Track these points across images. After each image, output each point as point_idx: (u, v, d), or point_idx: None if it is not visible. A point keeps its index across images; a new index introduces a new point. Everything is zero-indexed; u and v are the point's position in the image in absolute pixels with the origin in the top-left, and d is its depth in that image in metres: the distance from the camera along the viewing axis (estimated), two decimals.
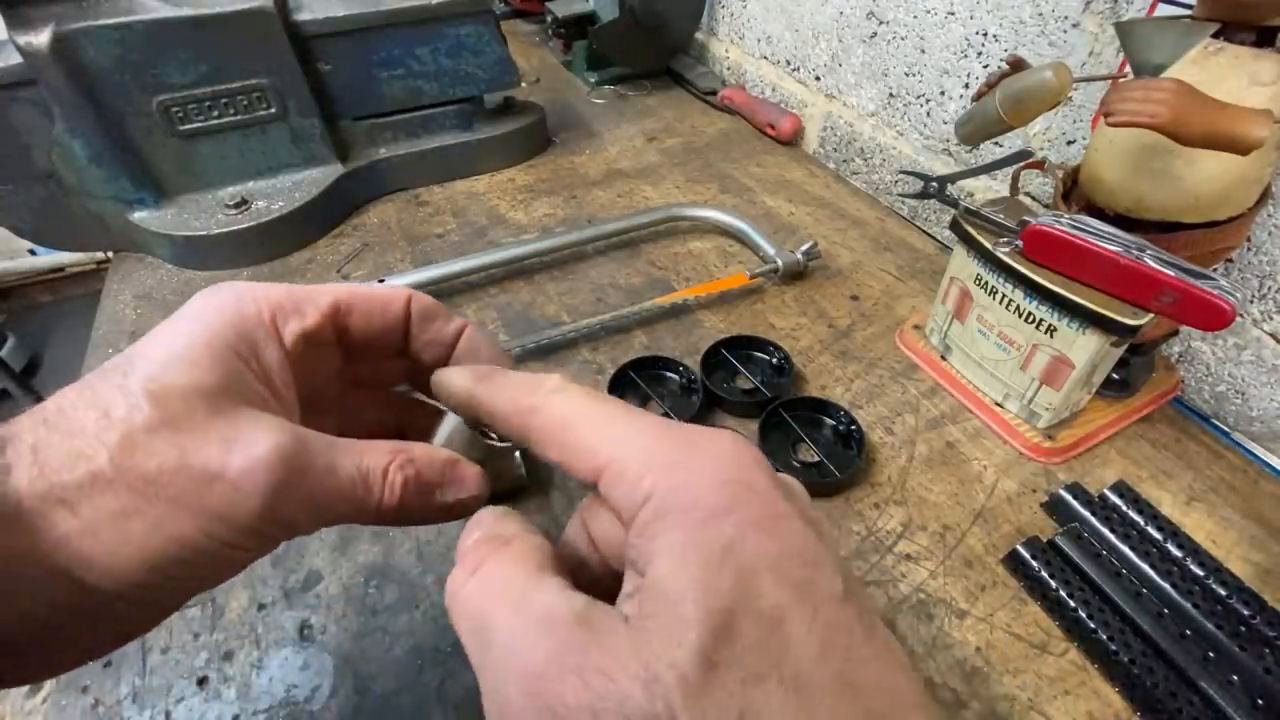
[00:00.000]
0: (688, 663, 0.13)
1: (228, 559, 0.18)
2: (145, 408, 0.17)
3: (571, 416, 0.18)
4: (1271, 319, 0.42)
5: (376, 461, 0.20)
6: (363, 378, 0.27)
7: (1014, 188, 0.45)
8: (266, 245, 0.59)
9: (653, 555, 0.15)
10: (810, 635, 0.14)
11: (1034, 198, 0.54)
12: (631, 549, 0.16)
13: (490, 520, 0.19)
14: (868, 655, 0.14)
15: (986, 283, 0.41)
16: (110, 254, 0.61)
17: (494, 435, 0.23)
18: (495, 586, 0.17)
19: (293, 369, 0.21)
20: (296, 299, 0.22)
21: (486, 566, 0.17)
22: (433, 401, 0.28)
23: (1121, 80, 0.33)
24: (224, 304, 0.20)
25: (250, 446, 0.18)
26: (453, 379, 0.21)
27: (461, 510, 0.22)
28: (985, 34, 0.54)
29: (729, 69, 0.93)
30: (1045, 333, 0.39)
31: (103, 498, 0.17)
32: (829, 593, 0.15)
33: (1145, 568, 0.35)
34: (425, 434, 0.24)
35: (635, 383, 0.46)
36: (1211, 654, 0.31)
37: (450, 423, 0.23)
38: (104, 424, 0.17)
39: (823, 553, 0.15)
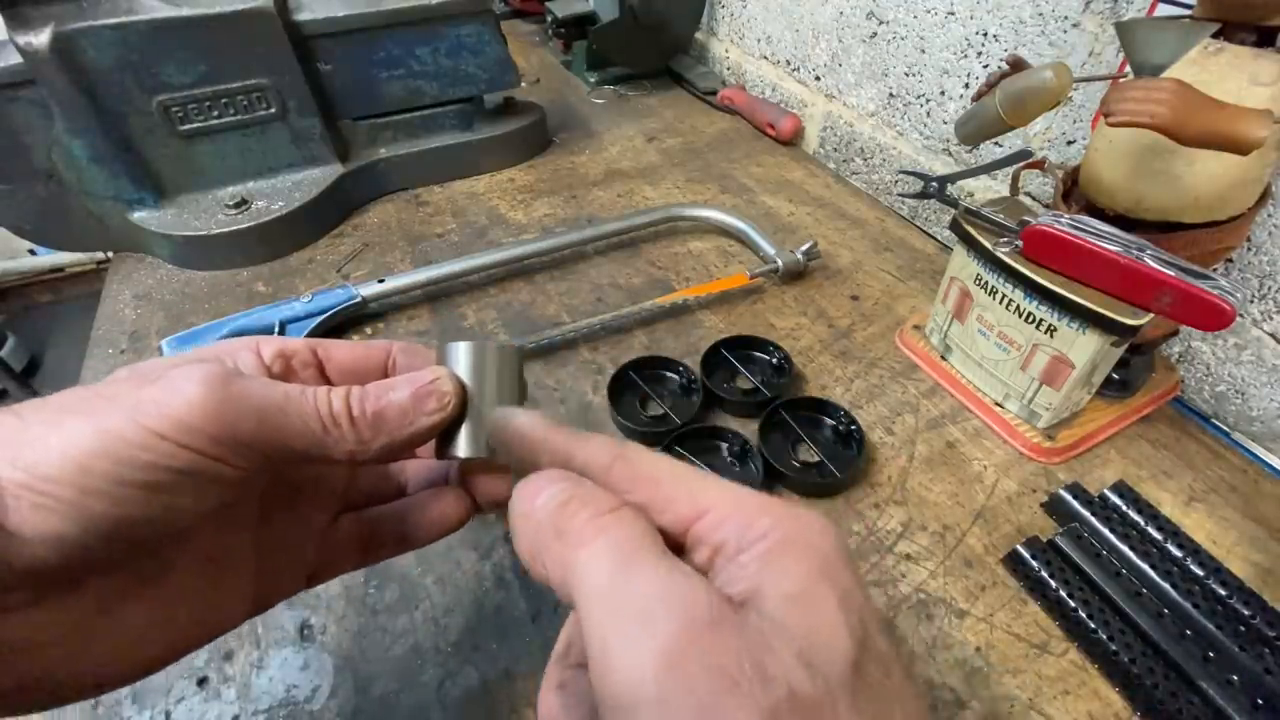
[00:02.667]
0: (842, 659, 0.14)
1: (169, 468, 0.17)
2: (122, 374, 0.19)
3: (662, 467, 0.18)
4: (1271, 319, 0.42)
5: (321, 386, 0.21)
6: (299, 495, 0.25)
7: (1014, 188, 0.45)
8: (266, 245, 0.59)
9: (770, 579, 0.15)
10: (905, 687, 0.15)
11: (1034, 198, 0.54)
12: (739, 575, 0.15)
13: (580, 488, 0.17)
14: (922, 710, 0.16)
15: (986, 283, 0.41)
16: (110, 254, 0.61)
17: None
18: (628, 550, 0.15)
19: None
20: (282, 337, 0.24)
21: (613, 531, 0.16)
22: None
23: (1121, 80, 0.33)
24: (214, 341, 0.23)
25: (193, 357, 0.19)
26: (523, 422, 0.20)
27: (429, 408, 0.21)
28: (985, 34, 0.54)
29: (729, 69, 0.93)
30: (1045, 333, 0.39)
31: (50, 409, 0.17)
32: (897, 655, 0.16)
33: (1145, 568, 0.35)
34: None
35: (635, 383, 0.46)
36: (1211, 654, 0.31)
37: (441, 349, 0.23)
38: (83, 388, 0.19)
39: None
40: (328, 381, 0.24)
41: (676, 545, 0.17)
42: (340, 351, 0.24)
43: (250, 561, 0.23)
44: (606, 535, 0.16)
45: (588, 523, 0.16)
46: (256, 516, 0.23)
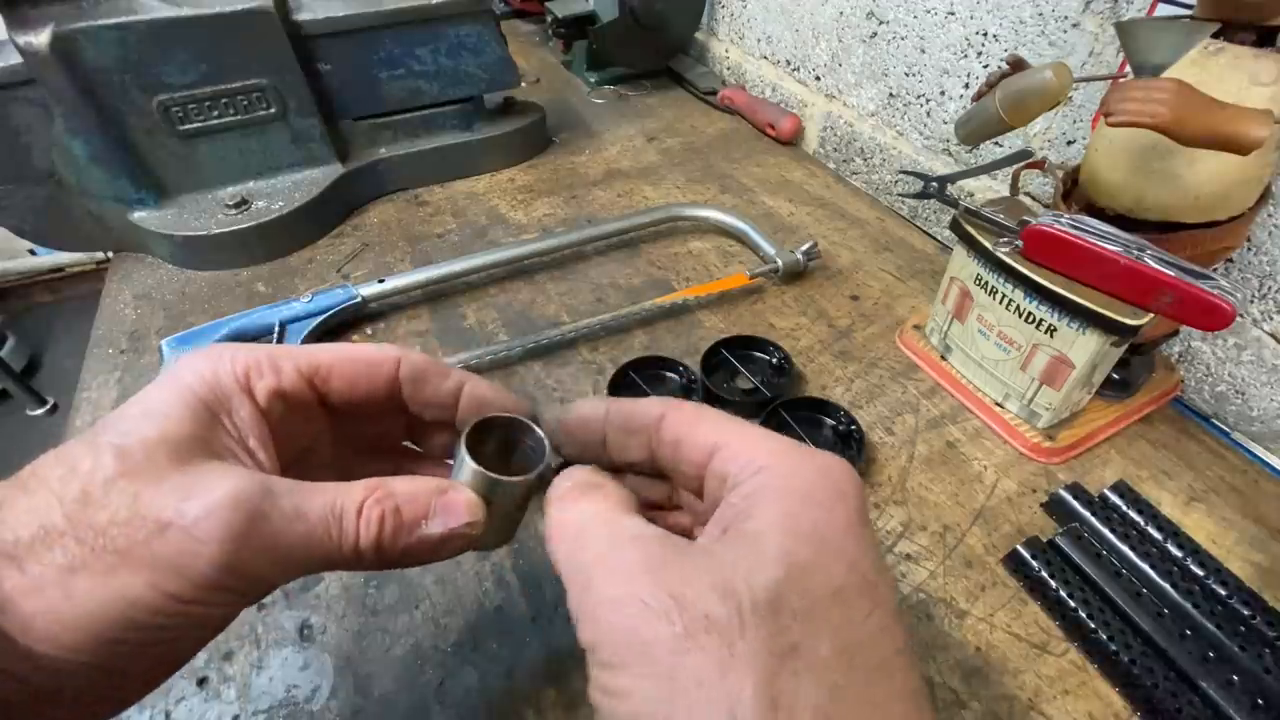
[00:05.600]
0: (761, 588, 0.15)
1: (185, 620, 0.17)
2: (108, 461, 0.17)
3: (697, 414, 0.21)
4: (1271, 319, 0.42)
5: (351, 498, 0.19)
6: (365, 442, 0.26)
7: (1014, 188, 0.45)
8: (266, 245, 0.59)
9: (750, 513, 0.17)
10: (868, 621, 0.16)
11: (1034, 198, 0.54)
12: (729, 507, 0.18)
13: (582, 473, 0.21)
14: (899, 666, 0.16)
15: (986, 283, 0.41)
16: (110, 254, 0.61)
17: (512, 477, 0.22)
18: (591, 515, 0.19)
19: (272, 427, 0.21)
20: (274, 358, 0.21)
21: (583, 503, 0.19)
22: (446, 462, 0.27)
23: (1121, 80, 0.33)
24: (200, 364, 0.20)
25: (208, 493, 0.17)
26: (584, 406, 0.23)
27: (454, 546, 0.21)
28: (985, 34, 0.54)
29: (729, 69, 0.93)
30: (1045, 333, 0.39)
31: (51, 553, 0.16)
32: (886, 601, 0.17)
33: (1145, 568, 0.35)
34: None
35: (635, 383, 0.46)
36: (1211, 654, 0.31)
37: (465, 467, 0.22)
38: (67, 479, 0.17)
39: (884, 572, 0.18)
40: (329, 409, 0.23)
41: (698, 476, 0.20)
42: (341, 384, 0.22)
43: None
44: (573, 516, 0.19)
45: (564, 514, 0.20)
46: None
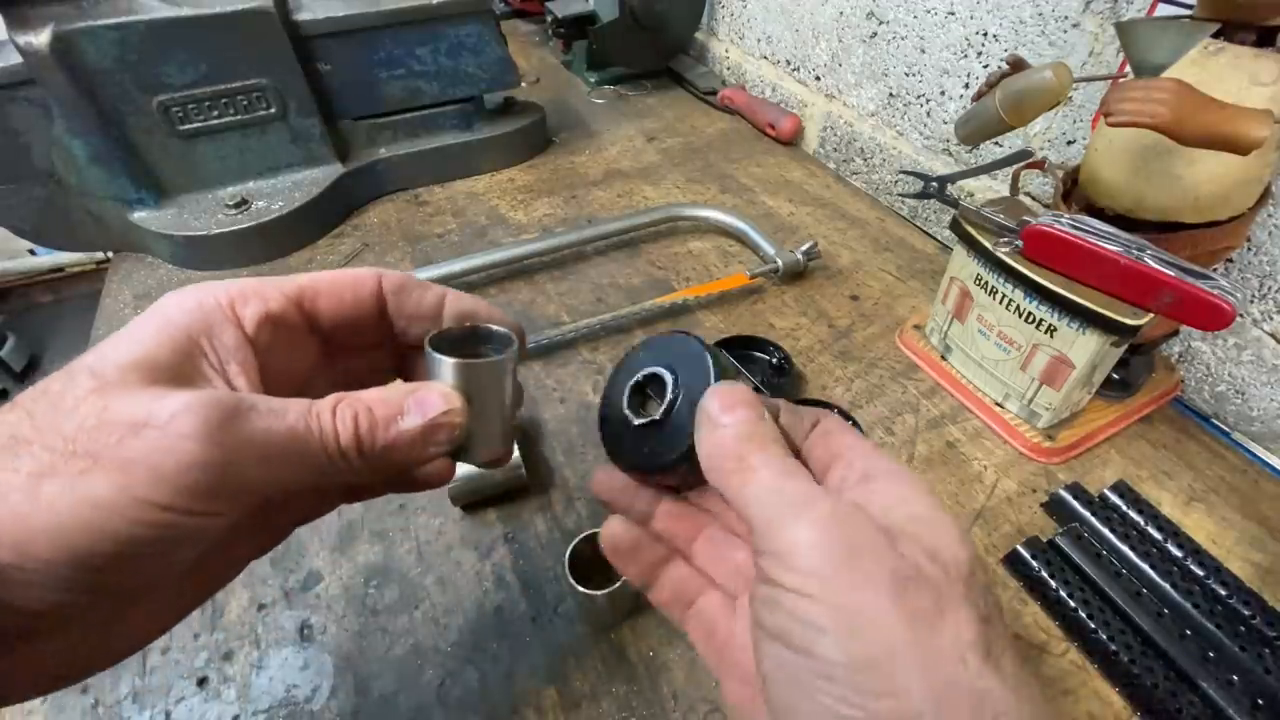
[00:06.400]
0: (964, 564, 0.17)
1: (169, 534, 0.16)
2: (82, 380, 0.17)
3: (834, 426, 0.21)
4: (1271, 319, 0.42)
5: (324, 402, 0.19)
6: (356, 382, 0.26)
7: (1014, 188, 0.45)
8: (266, 245, 0.59)
9: (893, 498, 0.18)
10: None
11: (1034, 198, 0.54)
12: (864, 489, 0.19)
13: (762, 431, 0.20)
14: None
15: (986, 283, 0.41)
16: (110, 254, 0.61)
17: (489, 352, 0.22)
18: (782, 471, 0.18)
19: (260, 354, 0.21)
20: (260, 286, 0.21)
21: (773, 463, 0.19)
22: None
23: (1121, 80, 0.33)
24: (185, 297, 0.20)
25: (182, 395, 0.17)
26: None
27: (438, 439, 0.21)
28: (985, 34, 0.54)
29: (729, 69, 0.93)
30: (1045, 333, 0.39)
31: (18, 460, 0.15)
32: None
33: (1145, 568, 0.35)
34: None
35: None
36: (1211, 654, 0.31)
37: (434, 364, 0.22)
38: (38, 398, 0.17)
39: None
40: (319, 334, 0.23)
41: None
42: (328, 302, 0.23)
43: (248, 540, 0.22)
44: (769, 467, 0.19)
45: (758, 458, 0.19)
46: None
